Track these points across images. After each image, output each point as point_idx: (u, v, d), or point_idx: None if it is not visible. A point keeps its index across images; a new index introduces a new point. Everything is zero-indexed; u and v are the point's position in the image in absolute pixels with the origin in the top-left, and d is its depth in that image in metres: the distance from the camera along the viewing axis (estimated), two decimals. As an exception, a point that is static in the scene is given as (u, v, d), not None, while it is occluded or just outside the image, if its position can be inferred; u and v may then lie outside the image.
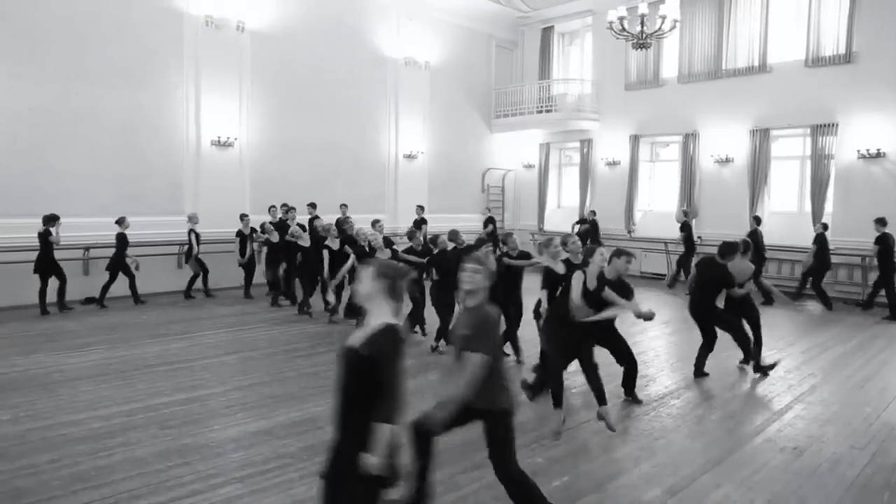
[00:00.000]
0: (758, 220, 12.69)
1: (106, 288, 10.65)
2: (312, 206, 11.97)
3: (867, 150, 12.52)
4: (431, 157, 16.81)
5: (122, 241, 10.63)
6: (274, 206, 12.22)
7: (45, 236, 9.76)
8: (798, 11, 13.74)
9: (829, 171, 13.01)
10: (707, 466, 4.79)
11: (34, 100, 10.53)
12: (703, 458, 4.95)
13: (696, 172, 15.12)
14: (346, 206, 13.06)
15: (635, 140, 16.25)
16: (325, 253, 9.64)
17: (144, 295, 11.14)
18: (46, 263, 9.83)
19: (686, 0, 14.90)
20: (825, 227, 12.08)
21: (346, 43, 14.76)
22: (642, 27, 11.08)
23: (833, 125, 12.90)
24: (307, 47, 13.98)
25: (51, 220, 9.80)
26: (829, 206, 13.10)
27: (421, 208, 15.18)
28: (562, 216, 17.64)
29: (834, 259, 12.86)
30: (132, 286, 10.92)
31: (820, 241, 11.81)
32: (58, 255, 10.02)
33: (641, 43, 11.24)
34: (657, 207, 16.40)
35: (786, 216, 13.90)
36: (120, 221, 10.64)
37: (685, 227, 13.90)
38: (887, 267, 11.04)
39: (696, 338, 9.16)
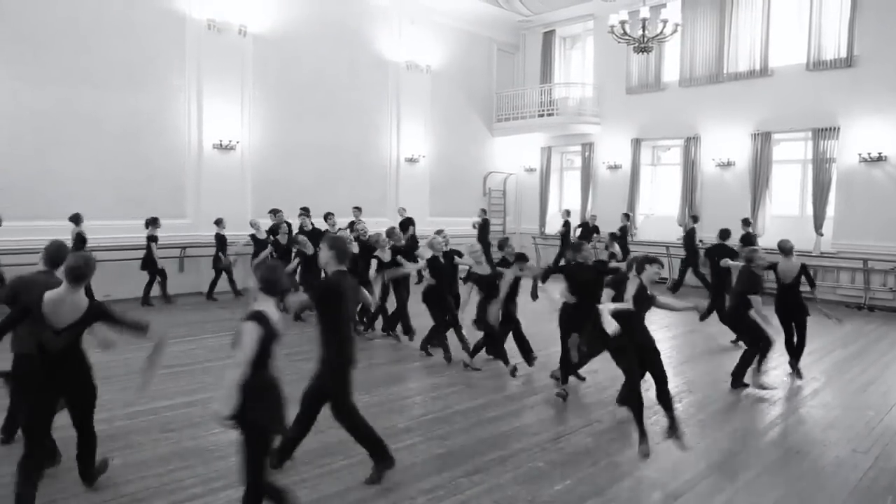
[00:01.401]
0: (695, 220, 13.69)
1: (213, 284, 11.90)
2: (303, 211, 11.77)
3: (868, 154, 12.51)
4: (433, 160, 16.83)
5: (220, 240, 11.52)
6: (277, 211, 11.82)
7: (152, 239, 10.93)
8: (799, 15, 13.76)
9: (831, 174, 13.00)
10: (709, 470, 4.78)
11: (36, 103, 10.56)
12: (705, 462, 4.94)
13: (697, 176, 15.11)
14: (307, 209, 12.08)
15: (637, 144, 16.26)
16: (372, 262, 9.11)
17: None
18: (151, 261, 11.00)
19: (687, 4, 14.95)
20: (695, 219, 13.66)
21: (347, 46, 14.79)
22: (644, 31, 11.09)
23: (834, 129, 12.90)
24: (309, 51, 14.01)
25: (154, 222, 10.95)
26: (830, 210, 13.09)
27: (403, 209, 14.56)
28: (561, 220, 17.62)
29: (835, 263, 12.89)
30: (231, 281, 12.04)
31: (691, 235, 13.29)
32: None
33: (643, 47, 11.26)
34: (659, 211, 16.40)
35: (787, 220, 13.89)
36: (218, 222, 11.61)
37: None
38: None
39: (698, 341, 9.18)
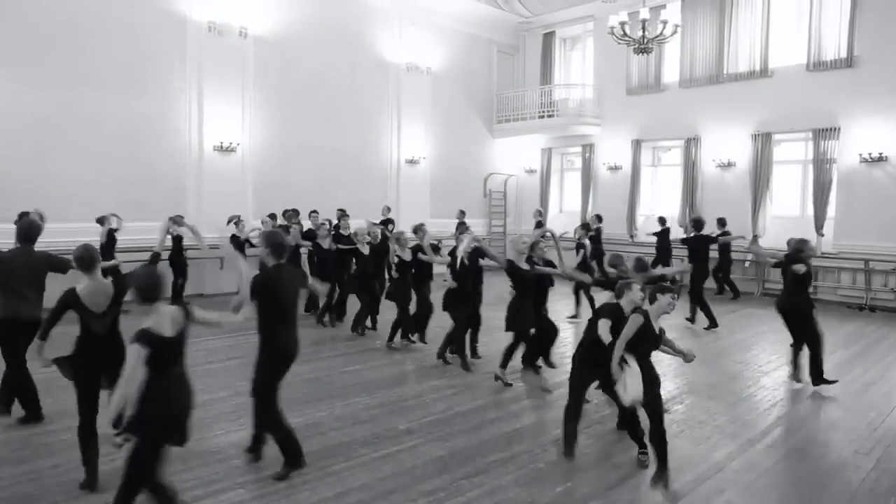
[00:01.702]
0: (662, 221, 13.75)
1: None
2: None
3: (869, 154, 12.51)
4: (433, 161, 16.83)
5: (238, 242, 11.27)
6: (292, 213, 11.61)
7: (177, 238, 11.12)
8: (799, 15, 13.76)
9: (832, 175, 12.99)
10: (710, 472, 4.77)
11: (37, 105, 10.57)
12: (707, 463, 4.94)
13: (698, 177, 15.11)
14: (296, 211, 11.82)
15: (637, 145, 16.26)
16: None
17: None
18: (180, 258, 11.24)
19: (687, 4, 14.95)
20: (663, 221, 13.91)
21: (348, 48, 14.81)
22: (643, 32, 11.09)
23: (835, 129, 12.89)
24: (310, 53, 14.02)
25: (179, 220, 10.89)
26: (831, 210, 13.09)
27: (388, 209, 14.06)
28: (564, 221, 17.61)
29: (836, 263, 12.89)
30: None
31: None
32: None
33: (643, 48, 11.26)
34: (659, 212, 16.36)
35: (788, 220, 13.89)
36: (236, 223, 11.35)
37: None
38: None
39: (697, 344, 9.17)
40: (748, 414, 6.19)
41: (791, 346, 7.18)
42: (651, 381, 4.50)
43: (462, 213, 15.32)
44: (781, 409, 6.33)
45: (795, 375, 7.08)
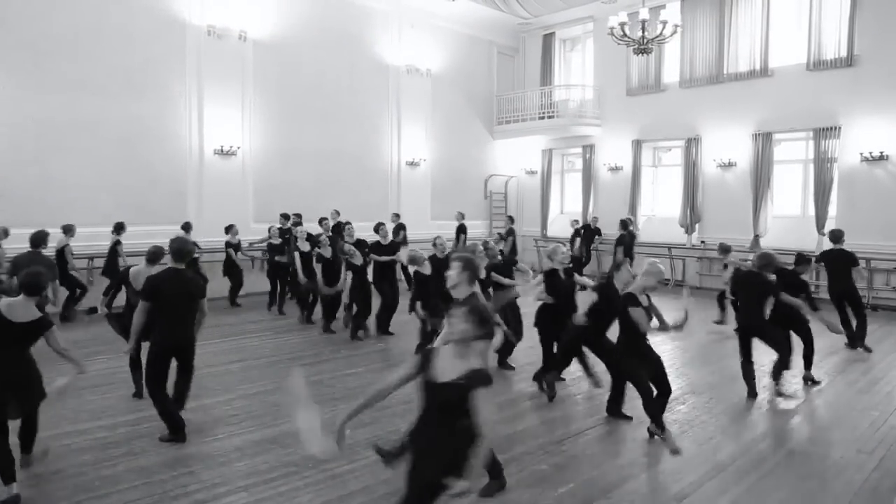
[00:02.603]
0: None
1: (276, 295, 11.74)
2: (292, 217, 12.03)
3: (870, 153, 12.49)
4: (434, 163, 16.84)
5: (270, 249, 11.40)
6: (323, 219, 11.14)
7: (230, 245, 11.53)
8: (799, 15, 13.75)
9: (833, 174, 12.97)
10: (713, 472, 4.77)
11: (38, 110, 10.58)
12: (710, 463, 4.93)
13: (698, 177, 15.10)
14: (287, 215, 12.26)
15: (637, 145, 16.25)
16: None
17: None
18: (234, 266, 11.69)
19: (687, 5, 14.95)
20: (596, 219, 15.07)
21: (347, 51, 14.82)
22: (643, 32, 11.09)
23: (836, 128, 12.88)
24: (309, 56, 14.04)
25: (231, 228, 11.46)
26: (832, 210, 13.07)
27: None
28: (564, 222, 17.62)
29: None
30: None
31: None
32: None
33: (643, 48, 11.26)
34: (660, 212, 16.40)
35: (789, 220, 13.88)
36: (270, 230, 11.72)
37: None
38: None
39: (700, 343, 9.17)
40: (750, 414, 6.19)
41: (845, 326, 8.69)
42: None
43: (396, 215, 14.29)
44: (784, 409, 6.32)
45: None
